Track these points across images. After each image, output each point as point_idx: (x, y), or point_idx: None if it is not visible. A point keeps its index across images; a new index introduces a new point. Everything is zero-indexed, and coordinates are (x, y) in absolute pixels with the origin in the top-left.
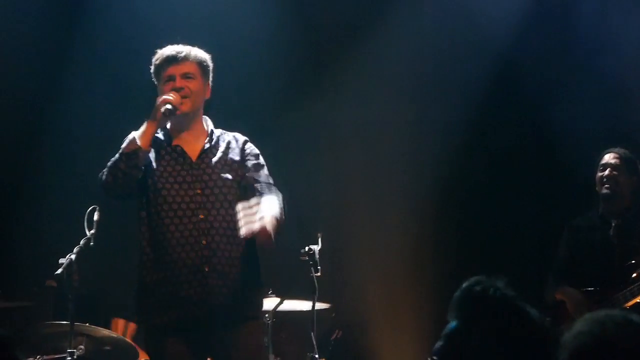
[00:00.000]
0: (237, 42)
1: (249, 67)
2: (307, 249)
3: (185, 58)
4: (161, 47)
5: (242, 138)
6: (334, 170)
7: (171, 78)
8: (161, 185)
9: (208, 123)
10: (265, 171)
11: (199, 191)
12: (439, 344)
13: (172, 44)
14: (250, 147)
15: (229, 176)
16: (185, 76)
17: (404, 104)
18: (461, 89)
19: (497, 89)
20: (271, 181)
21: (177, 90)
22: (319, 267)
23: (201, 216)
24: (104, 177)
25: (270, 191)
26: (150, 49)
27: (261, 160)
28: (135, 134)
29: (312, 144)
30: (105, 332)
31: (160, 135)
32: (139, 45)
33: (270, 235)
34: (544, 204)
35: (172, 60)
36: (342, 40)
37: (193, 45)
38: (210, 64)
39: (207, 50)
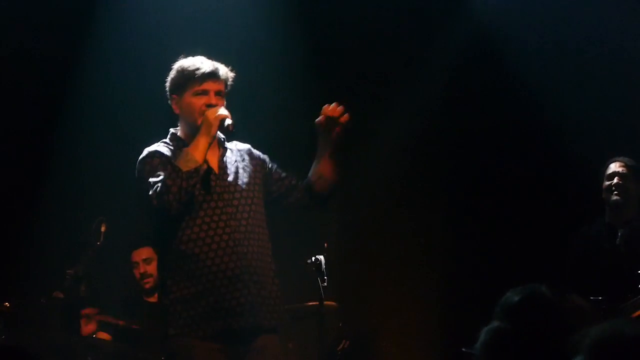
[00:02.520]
0: (241, 47)
1: (254, 74)
2: (313, 259)
3: (222, 76)
4: (170, 53)
5: (245, 145)
6: (343, 175)
7: (205, 93)
8: (194, 200)
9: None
10: (281, 169)
11: (227, 202)
12: (481, 339)
13: (187, 51)
14: (259, 153)
15: (249, 183)
16: (218, 93)
17: (414, 104)
18: (477, 99)
19: (506, 93)
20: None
21: (211, 106)
22: (325, 277)
23: (233, 226)
24: (164, 197)
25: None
26: (158, 54)
27: (272, 161)
28: (189, 151)
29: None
30: (112, 343)
31: (174, 149)
32: (146, 52)
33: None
34: (553, 211)
35: (211, 76)
36: (346, 43)
37: (209, 52)
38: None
39: (214, 58)
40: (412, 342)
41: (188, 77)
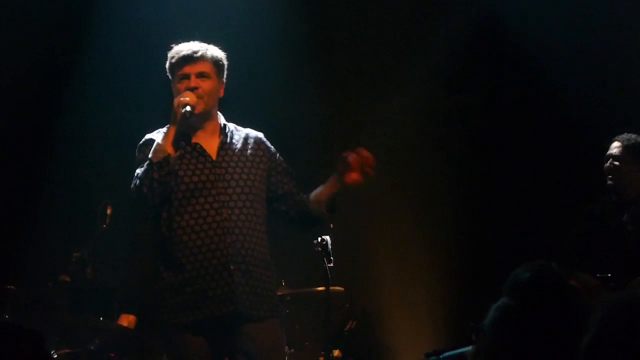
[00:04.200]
0: (246, 39)
1: (257, 64)
2: (319, 239)
3: (201, 57)
4: (177, 43)
5: (257, 134)
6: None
7: (186, 77)
8: (184, 186)
9: (221, 119)
10: (294, 176)
11: (221, 190)
12: (490, 316)
13: (187, 40)
14: (274, 151)
15: (249, 173)
16: (200, 75)
17: (420, 93)
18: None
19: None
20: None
21: (191, 90)
22: (331, 258)
23: (225, 215)
24: (137, 189)
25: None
26: (164, 46)
27: (286, 163)
28: (158, 140)
29: (326, 136)
30: (118, 326)
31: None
32: (154, 42)
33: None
34: (559, 189)
35: (187, 59)
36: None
37: (208, 42)
38: (226, 63)
39: (220, 48)
40: (419, 321)
41: (173, 63)
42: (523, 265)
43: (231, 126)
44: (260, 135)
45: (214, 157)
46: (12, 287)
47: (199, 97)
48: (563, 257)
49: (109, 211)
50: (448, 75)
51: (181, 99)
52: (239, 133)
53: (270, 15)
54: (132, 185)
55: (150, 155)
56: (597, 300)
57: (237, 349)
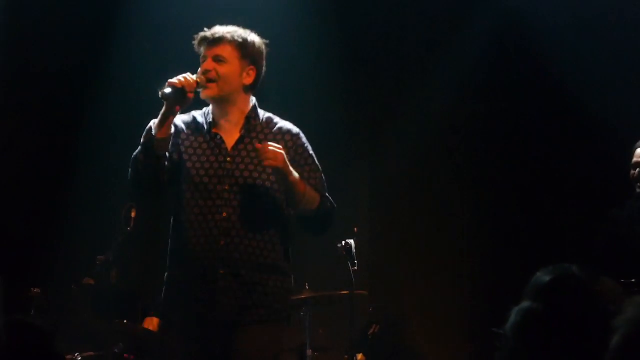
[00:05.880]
0: (276, 42)
1: (285, 68)
2: (343, 242)
3: (219, 39)
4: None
5: (291, 128)
6: (374, 162)
7: (204, 58)
8: (192, 177)
9: (249, 108)
10: (319, 175)
11: (226, 187)
12: (511, 319)
13: (222, 24)
14: (303, 146)
15: (263, 172)
16: (217, 59)
17: (450, 96)
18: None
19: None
20: (324, 186)
21: (204, 72)
22: (355, 261)
23: (224, 214)
24: (129, 173)
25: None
26: (191, 50)
27: (315, 162)
28: (151, 122)
29: (352, 137)
30: (142, 329)
31: (202, 120)
32: (181, 46)
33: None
34: (584, 193)
35: (204, 40)
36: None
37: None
38: (257, 47)
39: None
40: (443, 325)
41: (195, 45)
42: (544, 269)
43: (264, 118)
44: (295, 130)
45: (229, 149)
46: (36, 289)
47: (210, 80)
48: (588, 262)
49: (133, 214)
50: (471, 80)
51: (170, 79)
52: (270, 126)
53: (299, 20)
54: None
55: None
56: (625, 302)
57: (218, 354)
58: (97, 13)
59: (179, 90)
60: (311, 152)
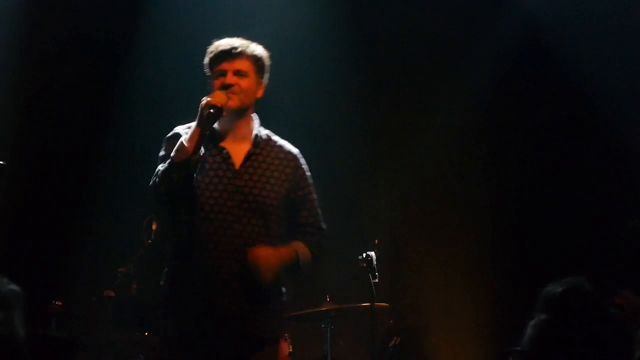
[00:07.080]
0: (294, 47)
1: (302, 66)
2: (364, 255)
3: (240, 54)
4: (219, 38)
5: (291, 149)
6: (395, 174)
7: (223, 73)
8: (201, 192)
9: (254, 125)
10: (313, 206)
11: (237, 203)
12: (528, 334)
13: (230, 36)
14: (302, 168)
15: (270, 190)
16: (238, 73)
17: (474, 105)
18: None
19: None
20: (318, 218)
21: (226, 87)
22: (376, 274)
23: (236, 230)
24: (156, 187)
25: (309, 235)
26: (209, 40)
27: (311, 189)
28: (183, 139)
29: (372, 147)
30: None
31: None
32: (200, 45)
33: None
34: (606, 204)
35: (226, 54)
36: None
37: (251, 39)
38: (267, 62)
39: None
40: (464, 337)
41: (211, 58)
42: (553, 282)
43: (264, 135)
44: (295, 151)
45: (237, 166)
46: (58, 302)
47: (234, 93)
48: (608, 274)
49: (154, 227)
50: (497, 89)
51: (208, 98)
52: (271, 144)
53: (318, 26)
54: (151, 182)
55: (172, 154)
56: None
57: None
58: (119, 21)
59: (220, 109)
60: (308, 174)
